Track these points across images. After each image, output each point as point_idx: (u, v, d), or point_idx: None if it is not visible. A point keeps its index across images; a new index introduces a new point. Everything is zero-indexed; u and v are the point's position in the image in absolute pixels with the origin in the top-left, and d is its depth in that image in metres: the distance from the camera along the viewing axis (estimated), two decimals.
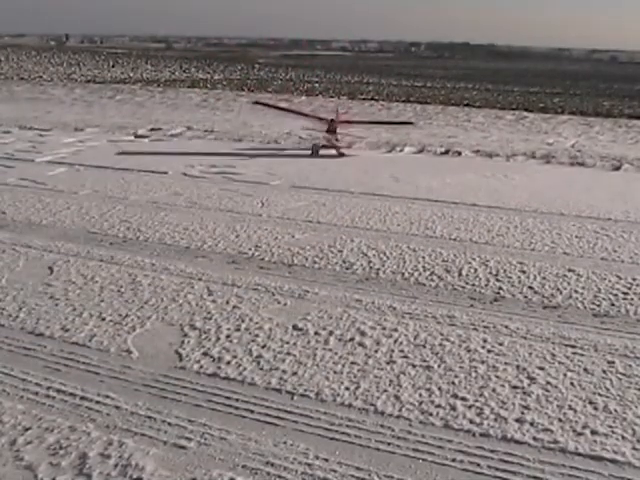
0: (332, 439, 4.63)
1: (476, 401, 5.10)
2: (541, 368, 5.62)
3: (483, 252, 8.71)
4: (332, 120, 16.65)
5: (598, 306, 6.97)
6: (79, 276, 7.55)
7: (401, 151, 17.20)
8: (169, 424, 4.75)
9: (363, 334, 6.19)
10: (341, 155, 15.96)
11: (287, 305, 6.86)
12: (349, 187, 12.35)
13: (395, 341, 6.07)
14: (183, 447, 4.51)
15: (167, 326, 6.30)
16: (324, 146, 16.44)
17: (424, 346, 5.98)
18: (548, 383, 5.38)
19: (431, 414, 4.92)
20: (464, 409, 4.99)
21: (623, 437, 4.68)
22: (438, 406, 5.02)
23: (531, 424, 4.81)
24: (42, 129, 19.34)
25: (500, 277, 7.77)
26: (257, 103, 20.85)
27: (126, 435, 4.61)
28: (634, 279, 7.77)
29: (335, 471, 4.30)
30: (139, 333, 6.13)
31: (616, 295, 7.28)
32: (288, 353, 5.79)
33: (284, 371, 5.48)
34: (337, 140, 16.44)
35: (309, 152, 16.13)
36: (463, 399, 5.12)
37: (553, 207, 11.18)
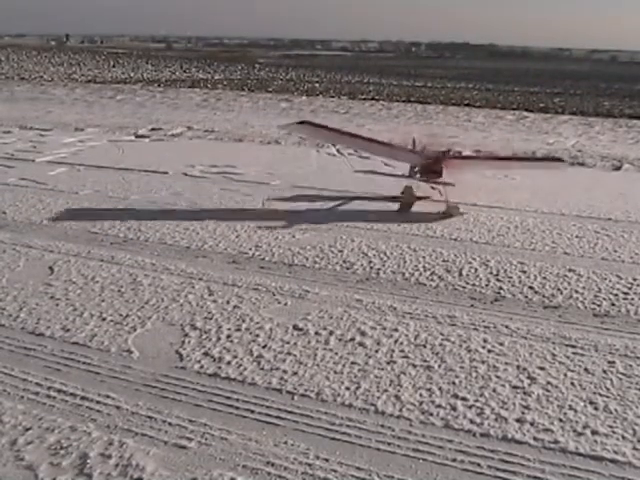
0: (333, 439, 4.64)
1: (476, 401, 5.10)
2: (541, 368, 5.62)
3: (483, 252, 8.71)
4: (439, 156, 10.28)
5: (599, 306, 6.97)
6: (80, 276, 7.55)
7: None
8: (170, 424, 4.75)
9: (363, 334, 6.19)
10: (451, 215, 10.16)
11: (287, 305, 6.86)
12: (348, 187, 12.34)
13: (395, 341, 6.07)
14: (184, 447, 4.51)
15: (168, 326, 6.30)
16: (418, 197, 10.85)
17: (424, 346, 5.98)
18: (548, 383, 5.38)
19: (432, 414, 4.92)
20: (464, 409, 4.99)
21: (623, 437, 4.68)
22: (439, 406, 5.02)
23: (531, 424, 4.81)
24: (42, 129, 19.35)
25: (500, 277, 7.77)
26: (303, 123, 11.04)
27: (127, 435, 4.61)
28: (635, 279, 7.77)
29: (335, 471, 4.30)
30: (140, 333, 6.13)
31: (616, 295, 7.28)
32: (289, 353, 5.80)
33: (285, 371, 5.48)
34: (441, 188, 10.39)
35: (394, 204, 10.72)
36: (463, 399, 5.12)
37: (554, 207, 11.18)
